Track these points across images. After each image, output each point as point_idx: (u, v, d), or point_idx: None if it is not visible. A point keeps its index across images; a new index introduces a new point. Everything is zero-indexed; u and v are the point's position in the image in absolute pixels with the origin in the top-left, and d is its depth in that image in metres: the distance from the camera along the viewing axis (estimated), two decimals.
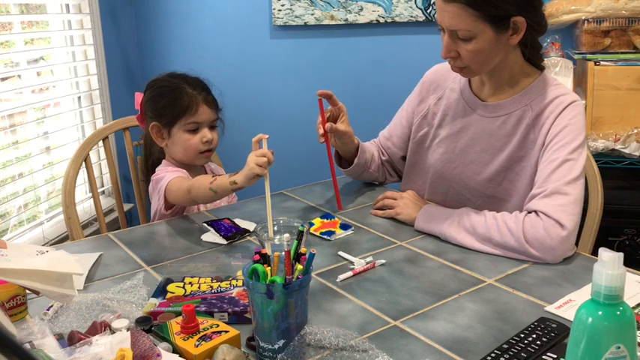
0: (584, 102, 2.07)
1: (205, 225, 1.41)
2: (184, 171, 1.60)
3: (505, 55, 1.33)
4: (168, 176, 1.52)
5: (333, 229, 1.38)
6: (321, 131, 1.47)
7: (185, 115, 1.59)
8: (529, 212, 1.25)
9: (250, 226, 1.42)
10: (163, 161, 1.68)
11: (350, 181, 1.73)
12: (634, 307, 1.02)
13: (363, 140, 1.68)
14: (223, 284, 1.10)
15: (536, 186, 1.28)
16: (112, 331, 0.92)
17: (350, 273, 1.17)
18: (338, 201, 1.52)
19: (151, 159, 1.75)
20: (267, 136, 1.33)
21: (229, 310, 1.01)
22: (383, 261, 1.23)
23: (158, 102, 1.63)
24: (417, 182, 1.57)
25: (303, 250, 0.92)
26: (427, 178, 1.55)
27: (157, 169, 1.64)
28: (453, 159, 1.47)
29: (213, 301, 1.04)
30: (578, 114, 1.32)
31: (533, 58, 1.38)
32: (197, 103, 1.60)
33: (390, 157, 1.67)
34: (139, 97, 1.68)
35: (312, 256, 0.89)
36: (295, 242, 0.93)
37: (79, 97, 2.51)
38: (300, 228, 0.97)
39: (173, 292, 1.08)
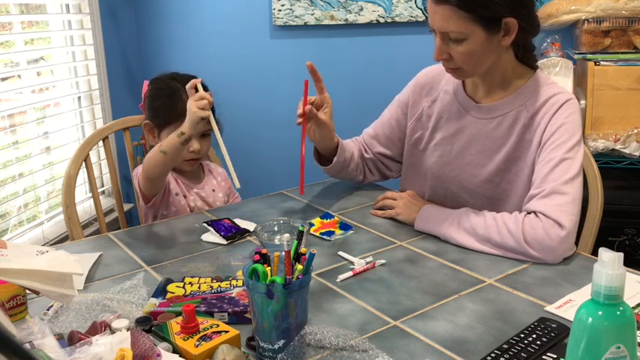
0: (584, 102, 2.07)
1: (205, 225, 1.41)
2: None
3: (498, 56, 1.33)
4: (140, 169, 1.55)
5: (332, 230, 1.38)
6: (300, 111, 1.43)
7: (177, 122, 1.59)
8: (528, 213, 1.25)
9: (250, 226, 1.42)
10: None
11: (347, 182, 1.72)
12: (634, 307, 1.02)
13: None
14: (223, 284, 1.10)
15: (535, 186, 1.28)
16: (112, 331, 0.92)
17: (350, 273, 1.17)
18: (301, 184, 1.43)
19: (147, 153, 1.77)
20: (199, 80, 1.41)
21: (229, 310, 1.01)
22: (383, 261, 1.23)
23: (154, 102, 1.64)
24: (414, 184, 1.57)
25: (303, 250, 0.92)
26: (425, 181, 1.54)
27: None
28: (450, 162, 1.47)
29: (213, 301, 1.04)
30: (574, 112, 1.32)
31: (526, 59, 1.38)
32: None
33: (375, 155, 1.64)
34: (146, 85, 1.70)
35: (312, 256, 0.89)
36: (295, 242, 0.93)
37: (79, 97, 2.51)
38: (300, 228, 0.97)
39: (173, 292, 1.08)
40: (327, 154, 1.59)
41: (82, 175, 2.22)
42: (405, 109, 1.57)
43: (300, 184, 1.42)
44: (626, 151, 2.03)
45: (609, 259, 0.67)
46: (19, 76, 2.18)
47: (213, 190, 1.72)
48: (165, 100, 1.62)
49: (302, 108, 1.43)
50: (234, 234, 1.37)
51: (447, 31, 1.27)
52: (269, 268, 0.89)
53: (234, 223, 1.43)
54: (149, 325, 0.96)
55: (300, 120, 1.43)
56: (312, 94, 1.49)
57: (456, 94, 1.47)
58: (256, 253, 0.89)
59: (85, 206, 2.46)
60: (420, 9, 2.52)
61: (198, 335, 0.90)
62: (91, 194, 2.11)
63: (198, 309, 0.99)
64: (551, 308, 1.04)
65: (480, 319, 1.01)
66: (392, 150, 1.62)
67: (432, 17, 1.28)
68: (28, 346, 0.85)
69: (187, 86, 1.41)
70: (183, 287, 1.10)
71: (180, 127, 1.41)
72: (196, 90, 1.41)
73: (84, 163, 1.73)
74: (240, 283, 1.11)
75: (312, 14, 2.62)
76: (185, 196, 1.66)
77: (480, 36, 1.26)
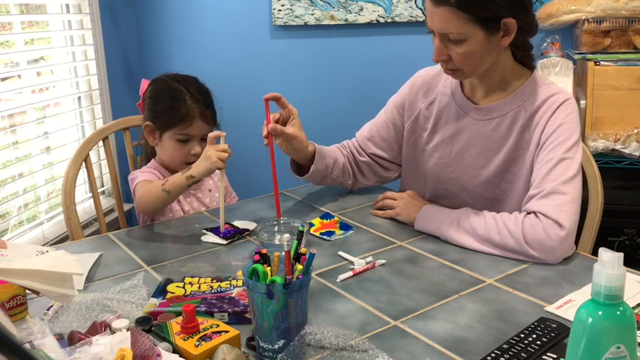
0: (584, 102, 2.07)
1: (204, 231, 1.40)
2: (156, 173, 1.61)
3: (497, 56, 1.33)
4: (137, 180, 1.54)
5: (332, 230, 1.38)
6: (265, 132, 1.38)
7: (179, 126, 1.60)
8: (528, 213, 1.25)
9: (250, 226, 1.42)
10: (152, 160, 1.69)
11: None
12: (634, 307, 1.02)
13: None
14: (223, 284, 1.10)
15: (534, 186, 1.28)
16: (112, 331, 0.92)
17: (350, 273, 1.17)
18: (277, 208, 1.37)
19: (145, 151, 1.77)
20: (224, 134, 1.42)
21: (229, 310, 1.01)
22: (383, 261, 1.23)
23: (156, 104, 1.63)
24: (414, 185, 1.56)
25: (303, 250, 0.92)
26: (425, 182, 1.54)
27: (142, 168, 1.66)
28: (450, 163, 1.47)
29: (213, 301, 1.04)
30: (572, 112, 1.32)
31: (524, 59, 1.38)
32: (193, 116, 1.60)
33: (370, 157, 1.60)
34: (144, 84, 1.69)
35: (312, 256, 0.89)
36: (295, 242, 0.93)
37: (79, 97, 2.51)
38: (301, 228, 0.97)
39: (173, 292, 1.08)
40: (305, 163, 1.54)
41: (82, 175, 2.22)
42: (402, 110, 1.56)
43: (276, 208, 1.37)
44: (626, 151, 2.03)
45: (609, 259, 0.67)
46: (19, 76, 2.18)
47: (210, 190, 1.72)
48: (168, 102, 1.61)
49: (265, 129, 1.38)
50: (233, 234, 1.37)
51: (446, 32, 1.26)
52: (269, 268, 0.89)
53: (233, 226, 1.42)
54: (149, 325, 0.96)
55: (266, 141, 1.38)
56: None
57: (454, 95, 1.46)
58: (256, 253, 0.89)
59: (85, 206, 2.46)
60: (420, 9, 2.52)
61: (198, 335, 0.90)
62: (91, 194, 2.11)
63: (198, 309, 0.99)
64: (551, 308, 1.04)
65: (480, 319, 1.01)
66: (388, 152, 1.60)
67: (431, 18, 1.28)
68: (28, 346, 0.85)
69: (210, 135, 1.40)
70: (183, 287, 1.10)
71: (190, 169, 1.40)
72: (218, 142, 1.41)
73: (84, 163, 1.73)
74: (240, 283, 1.11)
75: (312, 14, 2.62)
76: (179, 201, 1.66)
77: (480, 37, 1.26)
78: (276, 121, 1.43)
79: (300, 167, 1.57)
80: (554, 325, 0.95)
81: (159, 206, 1.49)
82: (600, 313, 0.68)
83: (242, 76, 2.80)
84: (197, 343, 0.88)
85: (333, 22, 2.61)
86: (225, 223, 1.44)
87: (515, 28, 1.27)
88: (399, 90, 1.59)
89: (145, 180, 1.53)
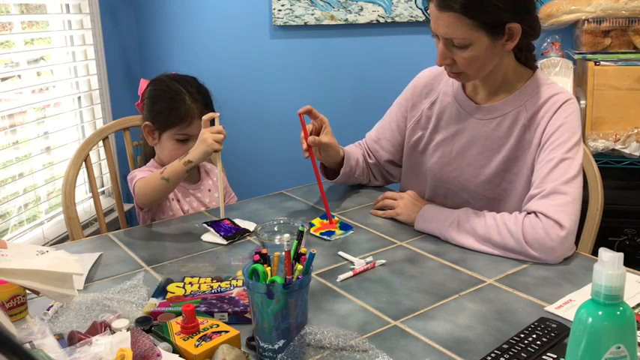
0: (584, 102, 2.07)
1: (205, 225, 1.41)
2: (153, 170, 1.61)
3: (500, 59, 1.33)
4: (136, 178, 1.54)
5: (332, 230, 1.38)
6: (305, 146, 1.45)
7: (178, 126, 1.60)
8: (528, 213, 1.25)
9: (250, 226, 1.42)
10: (151, 160, 1.69)
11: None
12: (634, 307, 1.02)
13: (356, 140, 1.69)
14: (223, 284, 1.10)
15: (534, 186, 1.28)
16: (112, 331, 0.92)
17: (350, 273, 1.17)
18: (328, 212, 1.44)
19: (145, 151, 1.77)
20: (218, 115, 1.44)
21: (229, 310, 1.01)
22: (383, 261, 1.23)
23: (155, 104, 1.63)
24: (414, 185, 1.57)
25: (303, 250, 0.92)
26: (426, 182, 1.54)
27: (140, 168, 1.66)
28: (451, 162, 1.47)
29: (213, 301, 1.04)
30: (573, 112, 1.32)
31: (526, 60, 1.38)
32: (192, 116, 1.60)
33: (378, 160, 1.65)
34: (143, 84, 1.69)
35: (312, 256, 0.89)
36: (295, 242, 0.93)
37: (79, 97, 2.51)
38: (301, 228, 0.97)
39: (173, 292, 1.08)
40: (332, 166, 1.60)
41: (82, 175, 2.22)
42: (405, 112, 1.58)
43: (327, 212, 1.44)
44: (626, 151, 2.03)
45: (609, 259, 0.67)
46: (19, 76, 2.18)
47: (209, 190, 1.72)
48: (168, 103, 1.61)
49: (305, 142, 1.46)
50: (234, 234, 1.37)
51: (451, 37, 1.27)
52: (269, 268, 0.89)
53: (234, 223, 1.43)
54: (149, 325, 0.96)
55: (307, 154, 1.46)
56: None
57: (455, 95, 1.47)
58: (256, 253, 0.89)
59: (85, 206, 2.46)
60: (420, 9, 2.52)
61: (198, 335, 0.90)
62: (91, 194, 2.11)
63: (198, 309, 0.99)
64: (551, 308, 1.04)
65: (480, 319, 1.01)
66: (394, 155, 1.62)
67: (436, 23, 1.28)
68: (28, 346, 0.85)
69: (204, 118, 1.43)
70: (183, 287, 1.10)
71: (187, 155, 1.42)
72: (212, 123, 1.43)
73: (84, 163, 1.73)
74: (240, 283, 1.11)
75: (312, 14, 2.62)
76: (179, 201, 1.66)
77: (484, 42, 1.26)
78: (310, 132, 1.49)
79: (326, 169, 1.63)
80: (554, 325, 0.95)
81: (158, 195, 1.49)
82: (600, 313, 0.68)
83: (242, 76, 2.80)
84: (197, 343, 0.88)
85: (333, 22, 2.61)
86: (226, 219, 1.45)
87: (519, 32, 1.27)
88: (403, 91, 1.61)
89: (143, 180, 1.53)
